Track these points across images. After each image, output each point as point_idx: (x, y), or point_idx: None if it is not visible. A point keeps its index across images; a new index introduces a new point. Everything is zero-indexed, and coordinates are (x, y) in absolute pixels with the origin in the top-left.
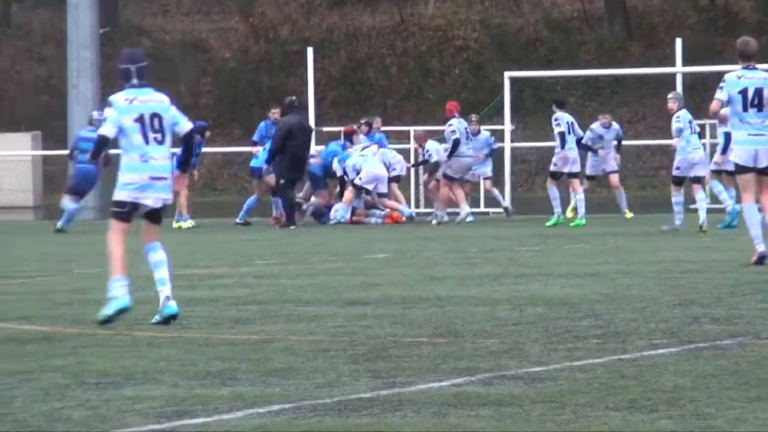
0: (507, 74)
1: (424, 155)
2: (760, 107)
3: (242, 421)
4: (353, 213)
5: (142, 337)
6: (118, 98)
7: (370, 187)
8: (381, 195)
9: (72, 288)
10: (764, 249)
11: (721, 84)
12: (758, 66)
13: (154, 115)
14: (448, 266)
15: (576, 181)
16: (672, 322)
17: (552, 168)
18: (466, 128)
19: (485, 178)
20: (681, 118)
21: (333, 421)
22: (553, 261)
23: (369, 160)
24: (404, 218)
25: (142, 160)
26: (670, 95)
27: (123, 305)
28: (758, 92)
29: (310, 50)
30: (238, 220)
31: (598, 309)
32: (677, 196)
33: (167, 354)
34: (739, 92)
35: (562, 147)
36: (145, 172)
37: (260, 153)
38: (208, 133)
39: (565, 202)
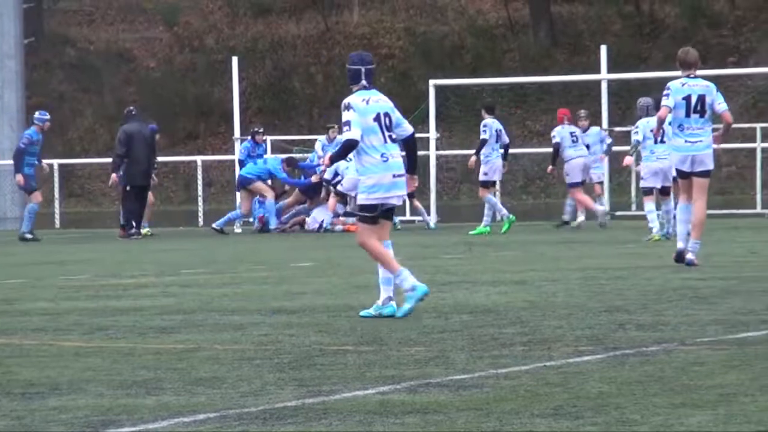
0: (432, 82)
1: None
2: (702, 113)
3: (168, 430)
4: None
5: (68, 347)
6: (355, 100)
7: (352, 193)
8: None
9: None
10: (683, 246)
11: (666, 92)
12: (698, 74)
13: (386, 115)
14: (373, 275)
15: (490, 189)
16: (597, 328)
17: (482, 177)
18: (572, 133)
19: (598, 182)
20: (639, 128)
21: (258, 430)
22: (479, 268)
23: (352, 166)
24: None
25: (383, 159)
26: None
27: (424, 291)
28: (701, 99)
29: (234, 59)
30: (272, 227)
31: (523, 316)
32: (649, 205)
33: (93, 364)
34: (683, 98)
35: (480, 153)
36: (388, 170)
37: (248, 164)
38: (158, 137)
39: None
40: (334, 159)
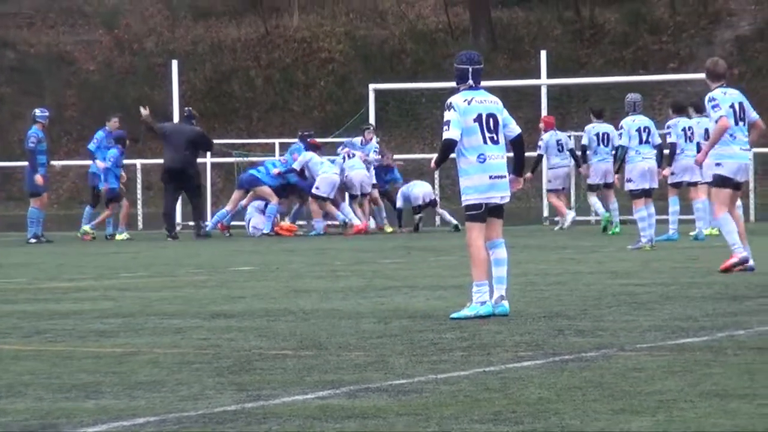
0: (372, 86)
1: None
2: (744, 121)
3: None
4: (275, 224)
5: (7, 351)
6: (457, 100)
7: (330, 195)
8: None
9: None
10: (746, 253)
11: (713, 102)
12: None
13: (490, 116)
14: (312, 279)
15: (611, 192)
16: (537, 334)
17: (588, 181)
18: (558, 141)
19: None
20: (624, 130)
21: None
22: (418, 273)
23: (325, 166)
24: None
25: (479, 160)
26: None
27: (487, 312)
28: (741, 106)
29: (174, 63)
30: (266, 231)
31: (463, 321)
32: (641, 212)
33: (32, 367)
34: (730, 107)
35: (584, 160)
36: (485, 172)
37: (260, 167)
38: (127, 142)
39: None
40: (437, 162)
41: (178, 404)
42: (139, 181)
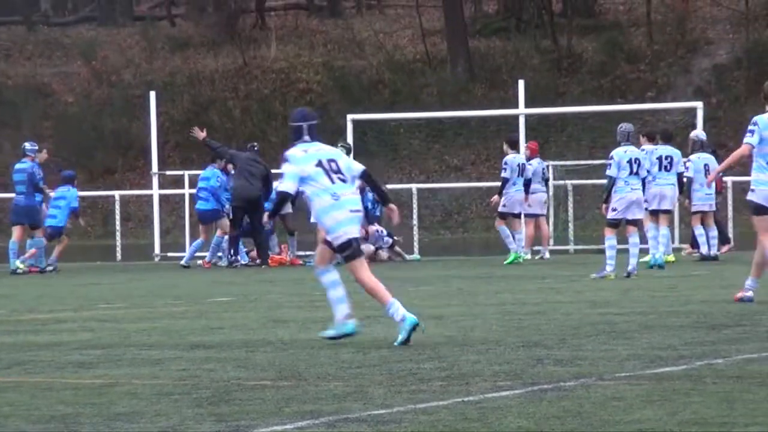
0: (350, 117)
1: None
2: None
3: None
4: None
5: None
6: (294, 152)
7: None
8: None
9: None
10: (752, 294)
11: (752, 127)
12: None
13: (330, 160)
14: (291, 309)
15: (517, 221)
16: (515, 363)
17: (501, 209)
18: (540, 170)
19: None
20: (614, 160)
21: None
22: None
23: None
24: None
25: (333, 198)
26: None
27: (412, 322)
28: None
29: (152, 94)
30: (183, 263)
31: (441, 351)
32: (611, 240)
33: (11, 399)
34: None
35: (502, 190)
36: (343, 207)
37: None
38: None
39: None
40: (271, 214)
41: None
42: (117, 212)
